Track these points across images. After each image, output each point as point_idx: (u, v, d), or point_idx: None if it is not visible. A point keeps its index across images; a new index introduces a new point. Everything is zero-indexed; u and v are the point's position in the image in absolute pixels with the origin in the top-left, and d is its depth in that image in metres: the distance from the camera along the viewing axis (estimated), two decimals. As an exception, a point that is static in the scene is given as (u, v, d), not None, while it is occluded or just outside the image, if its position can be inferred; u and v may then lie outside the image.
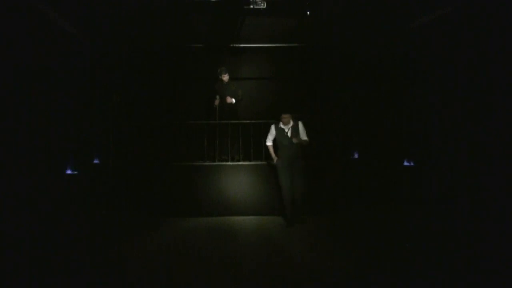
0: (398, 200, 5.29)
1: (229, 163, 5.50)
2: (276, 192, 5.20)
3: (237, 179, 5.39)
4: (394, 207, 5.21)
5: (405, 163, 5.61)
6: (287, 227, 4.63)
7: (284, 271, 3.14)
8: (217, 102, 5.73)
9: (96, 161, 5.72)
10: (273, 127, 4.84)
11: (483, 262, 3.26)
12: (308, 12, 5.52)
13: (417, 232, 4.29)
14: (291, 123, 4.74)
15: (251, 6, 5.47)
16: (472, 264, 3.21)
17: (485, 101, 4.14)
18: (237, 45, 6.46)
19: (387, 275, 3.02)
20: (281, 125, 4.74)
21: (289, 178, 4.66)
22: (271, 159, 4.90)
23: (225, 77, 5.75)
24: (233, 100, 5.74)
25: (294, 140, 4.57)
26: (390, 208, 5.21)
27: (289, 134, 4.69)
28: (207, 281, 2.95)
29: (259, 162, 5.47)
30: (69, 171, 5.15)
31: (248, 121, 5.61)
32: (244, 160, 5.56)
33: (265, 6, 5.51)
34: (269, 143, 4.91)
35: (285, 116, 4.68)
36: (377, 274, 3.04)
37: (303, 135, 4.74)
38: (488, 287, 2.83)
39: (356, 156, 6.09)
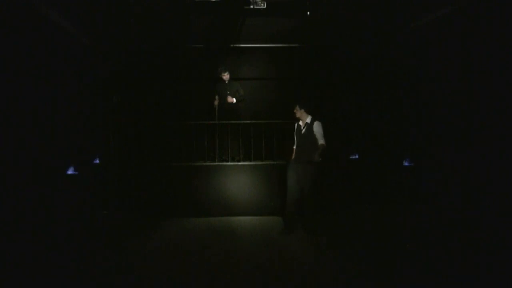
0: (398, 200, 5.29)
1: (229, 163, 5.50)
2: (276, 193, 5.20)
3: (237, 179, 5.39)
4: (394, 207, 5.22)
5: (405, 163, 5.61)
6: (281, 233, 4.33)
7: (284, 271, 3.14)
8: (216, 102, 5.73)
9: (96, 161, 5.72)
10: (296, 125, 4.53)
11: (483, 262, 3.26)
12: (308, 12, 5.51)
13: (417, 231, 4.29)
14: (308, 119, 4.33)
15: (251, 6, 5.45)
16: (472, 264, 3.22)
17: (484, 101, 4.14)
18: (237, 45, 6.45)
19: (387, 275, 3.02)
20: (300, 122, 4.43)
21: (295, 181, 4.32)
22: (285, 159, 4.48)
23: (225, 76, 5.74)
24: (234, 100, 5.73)
25: (315, 159, 4.10)
26: (390, 208, 5.21)
27: (303, 132, 4.34)
28: (207, 281, 2.95)
29: (259, 162, 5.47)
30: (69, 171, 5.15)
31: (248, 121, 5.61)
32: (244, 160, 5.56)
33: (265, 6, 5.49)
34: (295, 146, 4.50)
35: (295, 110, 4.32)
36: (377, 274, 3.04)
37: (319, 137, 4.23)
38: (488, 287, 2.83)
39: (356, 156, 6.09)
